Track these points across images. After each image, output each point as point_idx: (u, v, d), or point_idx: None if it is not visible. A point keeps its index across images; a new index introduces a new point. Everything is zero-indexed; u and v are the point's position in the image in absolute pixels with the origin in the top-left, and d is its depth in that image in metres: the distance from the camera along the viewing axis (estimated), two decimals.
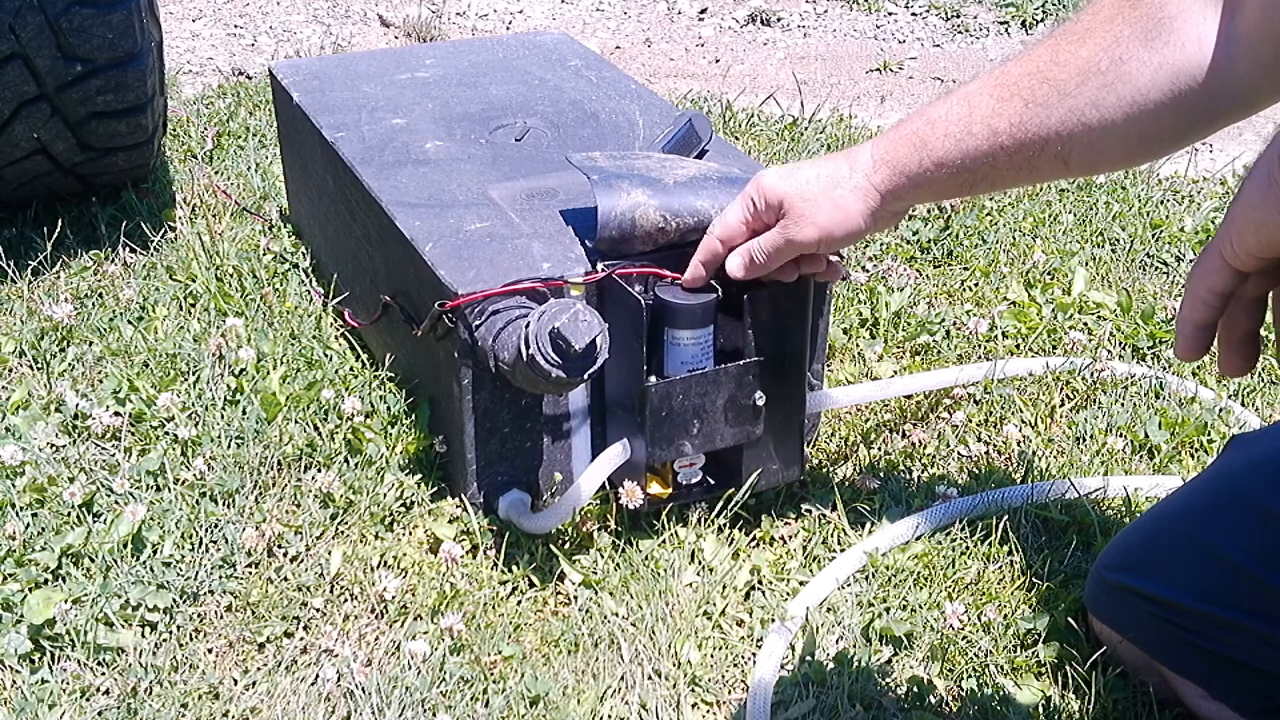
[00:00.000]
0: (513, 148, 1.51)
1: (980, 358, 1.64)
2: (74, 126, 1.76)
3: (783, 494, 1.34)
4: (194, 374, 1.48)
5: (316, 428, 1.40)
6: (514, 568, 1.24)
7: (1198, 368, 1.61)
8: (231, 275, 1.76)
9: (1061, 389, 1.57)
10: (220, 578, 1.22)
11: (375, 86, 1.72)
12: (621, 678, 1.13)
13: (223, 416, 1.40)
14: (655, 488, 1.26)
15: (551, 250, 1.24)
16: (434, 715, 1.08)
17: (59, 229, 1.85)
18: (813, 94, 2.91)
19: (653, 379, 1.17)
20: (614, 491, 1.26)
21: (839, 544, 1.29)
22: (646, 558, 1.25)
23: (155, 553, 1.22)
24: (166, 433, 1.38)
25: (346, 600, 1.21)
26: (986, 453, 1.46)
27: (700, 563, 1.25)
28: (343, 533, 1.28)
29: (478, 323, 1.17)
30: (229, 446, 1.36)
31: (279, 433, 1.38)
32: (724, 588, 1.22)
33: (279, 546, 1.25)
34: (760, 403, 1.22)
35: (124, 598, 1.16)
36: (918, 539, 1.28)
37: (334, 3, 3.67)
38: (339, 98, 1.68)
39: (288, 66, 1.82)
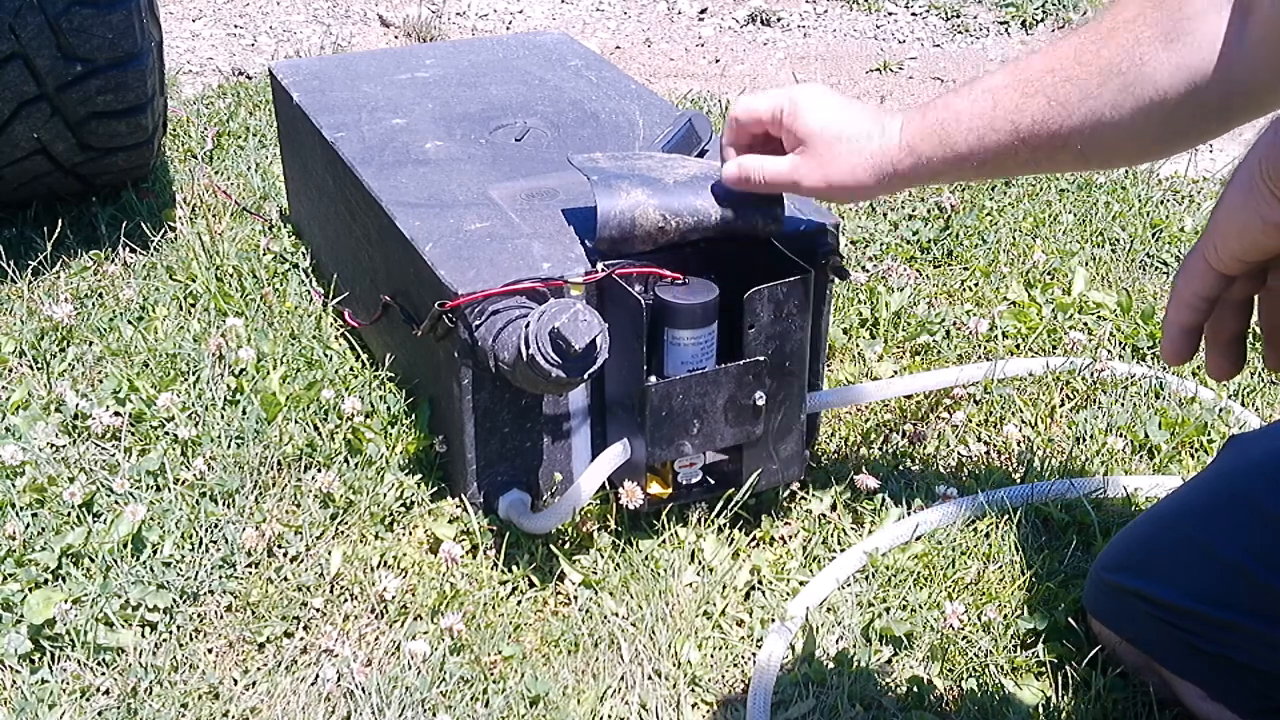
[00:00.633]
0: (513, 148, 1.51)
1: (980, 358, 1.64)
2: (74, 126, 1.76)
3: (782, 494, 1.35)
4: (194, 374, 1.48)
5: (316, 428, 1.40)
6: (514, 568, 1.24)
7: (1198, 368, 1.61)
8: (231, 275, 1.76)
9: (1061, 389, 1.57)
10: (220, 578, 1.22)
11: (375, 86, 1.73)
12: (621, 678, 1.13)
13: (223, 416, 1.40)
14: (655, 488, 1.26)
15: (551, 250, 1.24)
16: (434, 715, 1.08)
17: (59, 229, 1.85)
18: None
19: (653, 379, 1.17)
20: (614, 491, 1.26)
21: (839, 544, 1.29)
22: (646, 558, 1.25)
23: (155, 553, 1.23)
24: (166, 433, 1.38)
25: (346, 600, 1.21)
26: (986, 453, 1.46)
27: (700, 563, 1.25)
28: (343, 533, 1.29)
29: (478, 323, 1.17)
30: (229, 446, 1.36)
31: (279, 433, 1.38)
32: (724, 588, 1.22)
33: (279, 546, 1.25)
34: (760, 403, 1.22)
35: (124, 598, 1.16)
36: (918, 539, 1.28)
37: (334, 3, 3.66)
38: (339, 98, 1.68)
39: (288, 66, 1.82)
